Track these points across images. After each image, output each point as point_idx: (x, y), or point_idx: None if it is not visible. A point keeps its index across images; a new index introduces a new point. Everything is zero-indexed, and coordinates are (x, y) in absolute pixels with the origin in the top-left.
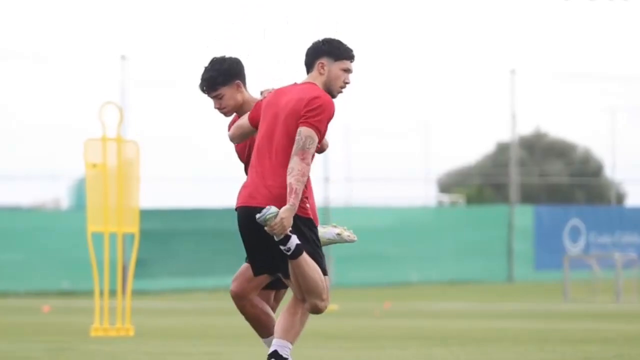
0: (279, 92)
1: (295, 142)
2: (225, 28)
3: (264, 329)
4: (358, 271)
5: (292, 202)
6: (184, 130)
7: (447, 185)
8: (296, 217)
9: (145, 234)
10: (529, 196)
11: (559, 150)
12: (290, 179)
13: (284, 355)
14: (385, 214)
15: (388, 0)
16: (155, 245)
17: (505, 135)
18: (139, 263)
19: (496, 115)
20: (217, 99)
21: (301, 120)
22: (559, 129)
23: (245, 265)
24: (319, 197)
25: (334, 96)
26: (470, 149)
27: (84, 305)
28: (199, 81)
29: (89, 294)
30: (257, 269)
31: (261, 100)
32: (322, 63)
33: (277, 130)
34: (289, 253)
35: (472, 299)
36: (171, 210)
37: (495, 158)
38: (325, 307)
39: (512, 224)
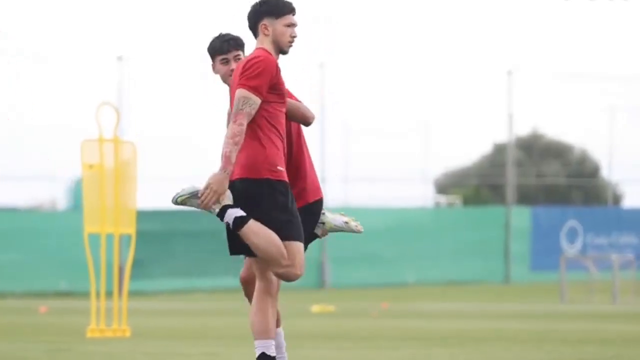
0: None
1: (233, 106)
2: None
3: None
4: (355, 272)
5: (221, 166)
6: (182, 130)
7: (444, 186)
8: (266, 181)
9: (142, 235)
10: (526, 197)
11: (556, 151)
12: (222, 145)
13: (272, 354)
14: (383, 214)
15: (387, 1)
16: (153, 246)
17: (502, 136)
18: (136, 264)
19: (493, 116)
20: (235, 60)
21: (237, 85)
22: (556, 130)
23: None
24: None
25: (285, 52)
26: (468, 150)
27: (80, 306)
28: (217, 42)
29: (85, 294)
30: (231, 249)
31: None
32: (265, 24)
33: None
34: (230, 226)
35: (469, 300)
36: (168, 211)
37: (492, 159)
38: (292, 273)
39: (509, 225)
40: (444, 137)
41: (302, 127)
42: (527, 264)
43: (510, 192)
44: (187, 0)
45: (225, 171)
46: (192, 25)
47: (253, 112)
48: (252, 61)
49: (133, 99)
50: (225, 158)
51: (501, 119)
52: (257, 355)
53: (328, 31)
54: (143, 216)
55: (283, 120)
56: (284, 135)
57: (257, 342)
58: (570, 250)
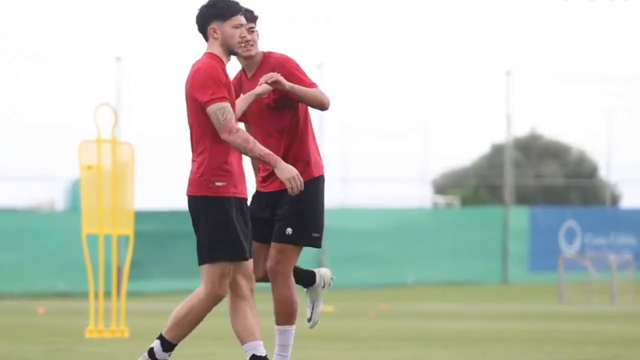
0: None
1: (214, 124)
2: None
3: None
4: (354, 272)
5: (273, 162)
6: (180, 131)
7: (442, 186)
8: (202, 198)
9: (140, 236)
10: (524, 197)
11: (554, 152)
12: (252, 154)
13: (261, 354)
14: (381, 215)
15: (387, 1)
16: (151, 247)
17: (500, 136)
18: (134, 264)
19: (491, 117)
20: (251, 31)
21: (201, 105)
22: (554, 131)
23: (255, 249)
24: None
25: (238, 54)
26: (466, 150)
27: (79, 306)
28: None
29: (84, 295)
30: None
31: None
32: (213, 28)
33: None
34: None
35: (467, 300)
36: (166, 212)
37: (490, 159)
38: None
39: (507, 226)
40: (443, 137)
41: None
42: (525, 265)
43: (509, 193)
44: (185, 1)
45: (277, 161)
46: (190, 26)
47: (233, 115)
48: (199, 76)
49: (131, 100)
50: (265, 155)
51: (499, 119)
52: (247, 358)
53: (327, 31)
54: (141, 217)
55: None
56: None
57: (245, 346)
58: (569, 250)
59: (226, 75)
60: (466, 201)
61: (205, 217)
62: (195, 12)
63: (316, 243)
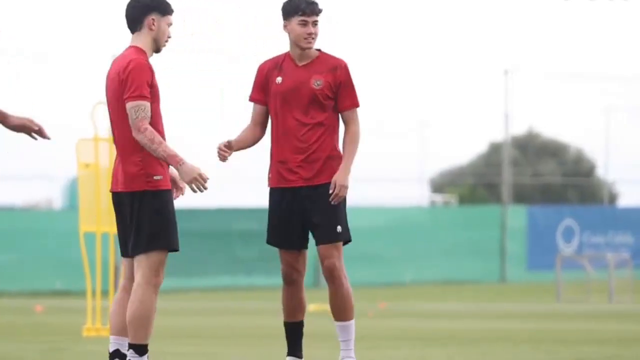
0: (113, 62)
1: (129, 120)
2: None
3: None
4: (351, 271)
5: (176, 163)
6: (177, 130)
7: (440, 185)
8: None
9: None
10: (521, 196)
11: (552, 150)
12: (155, 154)
13: (126, 352)
14: (379, 214)
15: (385, 1)
16: None
17: (498, 135)
18: None
19: (489, 115)
20: (313, 25)
21: (124, 98)
22: (552, 129)
23: (289, 257)
24: None
25: (159, 51)
26: (463, 149)
27: (76, 305)
28: (302, 2)
29: (81, 293)
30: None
31: None
32: (153, 19)
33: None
34: None
35: (465, 299)
36: None
37: (488, 158)
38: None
39: (505, 224)
40: (441, 136)
41: None
42: (523, 263)
43: (506, 191)
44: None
45: (181, 163)
46: (187, 24)
47: (148, 114)
48: (128, 70)
49: None
50: (170, 157)
51: (497, 118)
52: (112, 350)
53: (326, 31)
54: None
55: (161, 120)
56: (164, 132)
57: (118, 338)
58: (567, 249)
59: (152, 73)
60: (464, 200)
61: (149, 209)
62: (129, 2)
63: (350, 238)
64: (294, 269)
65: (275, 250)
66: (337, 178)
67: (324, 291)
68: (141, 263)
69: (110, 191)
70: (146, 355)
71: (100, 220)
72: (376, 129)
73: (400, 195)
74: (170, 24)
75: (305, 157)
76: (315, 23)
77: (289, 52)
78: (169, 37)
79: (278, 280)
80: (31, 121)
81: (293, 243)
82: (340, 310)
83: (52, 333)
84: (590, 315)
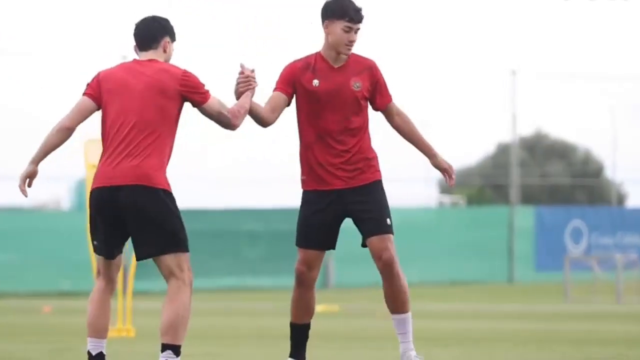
0: (119, 74)
1: (215, 115)
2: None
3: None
4: (360, 272)
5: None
6: (185, 130)
7: (448, 186)
8: (162, 191)
9: None
10: (529, 197)
11: (560, 151)
12: (239, 117)
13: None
14: None
15: (392, 1)
16: None
17: (506, 136)
18: (140, 263)
19: (497, 116)
20: (356, 32)
21: (198, 101)
22: (560, 130)
23: (312, 257)
24: None
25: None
26: (471, 150)
27: (84, 306)
28: (349, 8)
29: (89, 294)
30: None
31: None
32: (168, 41)
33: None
34: None
35: (472, 300)
36: None
37: (495, 159)
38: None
39: (513, 225)
40: (448, 136)
41: None
42: (531, 264)
43: (514, 192)
44: (189, 0)
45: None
46: (194, 24)
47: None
48: (187, 74)
49: None
50: (248, 101)
51: (505, 119)
52: (93, 352)
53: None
54: None
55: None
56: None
57: (97, 341)
58: (575, 250)
59: None
60: (472, 201)
61: (173, 209)
62: (142, 21)
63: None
64: (310, 270)
65: (281, 251)
66: (443, 162)
67: (331, 291)
68: (169, 263)
69: (104, 186)
70: (180, 357)
71: None
72: (383, 130)
73: (408, 196)
74: (173, 50)
75: (346, 159)
76: (357, 31)
77: (320, 53)
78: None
79: (284, 281)
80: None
81: (323, 243)
82: (398, 302)
83: (60, 334)
84: (598, 316)
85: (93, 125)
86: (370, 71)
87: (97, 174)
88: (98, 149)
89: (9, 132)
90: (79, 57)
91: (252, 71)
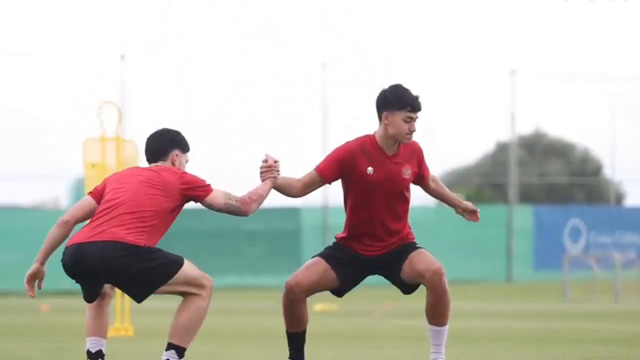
0: (129, 170)
1: (223, 205)
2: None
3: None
4: None
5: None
6: (183, 131)
7: (446, 184)
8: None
9: None
10: (528, 196)
11: (559, 150)
12: (264, 199)
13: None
14: None
15: (390, 1)
16: None
17: (504, 135)
18: None
19: (496, 115)
20: (414, 120)
21: (200, 196)
22: (559, 129)
23: (321, 267)
24: (317, 197)
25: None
26: (470, 149)
27: (83, 305)
28: (409, 97)
29: None
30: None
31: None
32: (177, 154)
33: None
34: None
35: (471, 299)
36: None
37: (494, 158)
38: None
39: (512, 224)
40: (447, 135)
41: None
42: (530, 263)
43: (513, 191)
44: (190, 0)
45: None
46: (195, 24)
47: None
48: (186, 176)
49: (135, 98)
50: (266, 192)
51: (504, 117)
52: (92, 350)
53: (330, 31)
54: None
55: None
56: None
57: (97, 340)
58: (573, 249)
59: None
60: (470, 199)
61: (150, 259)
62: (153, 135)
63: None
64: (301, 291)
65: (281, 250)
66: (469, 206)
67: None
68: (176, 289)
69: (74, 243)
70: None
71: None
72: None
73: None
74: (187, 161)
75: (386, 244)
76: (416, 119)
77: (374, 138)
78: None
79: (284, 280)
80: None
81: (345, 279)
82: (441, 315)
83: (59, 333)
84: (596, 315)
85: (92, 123)
86: (416, 155)
87: (71, 238)
88: (96, 147)
89: (7, 132)
90: (79, 57)
91: (276, 162)
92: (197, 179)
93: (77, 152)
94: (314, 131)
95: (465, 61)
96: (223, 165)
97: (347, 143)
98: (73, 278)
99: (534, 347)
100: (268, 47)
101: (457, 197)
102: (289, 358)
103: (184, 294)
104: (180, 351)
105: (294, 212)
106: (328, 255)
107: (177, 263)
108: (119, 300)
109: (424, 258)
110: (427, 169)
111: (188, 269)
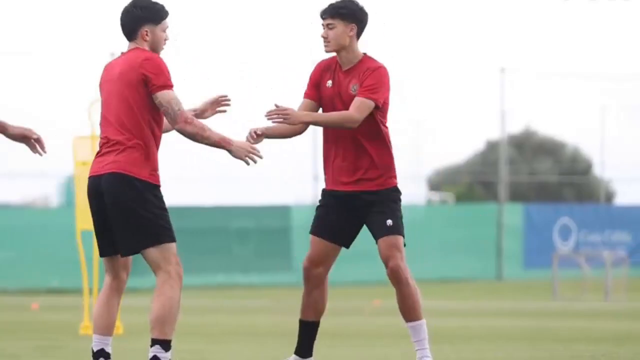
0: (109, 66)
1: (165, 113)
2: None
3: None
4: (348, 269)
5: (227, 143)
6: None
7: (437, 183)
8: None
9: None
10: (518, 194)
11: (549, 149)
12: (209, 141)
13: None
14: None
15: None
16: None
17: (494, 133)
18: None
19: (486, 114)
20: (329, 28)
21: (152, 89)
22: (549, 128)
23: (321, 247)
24: (308, 195)
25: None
26: (460, 147)
27: (73, 303)
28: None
29: (77, 291)
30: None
31: None
32: (146, 30)
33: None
34: None
35: (461, 297)
36: None
37: (484, 156)
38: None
39: (502, 222)
40: (437, 134)
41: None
42: (519, 261)
43: (503, 190)
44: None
45: (232, 143)
46: (185, 20)
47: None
48: (151, 61)
49: None
50: (222, 140)
51: (494, 116)
52: (95, 349)
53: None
54: None
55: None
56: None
57: (103, 338)
58: (563, 247)
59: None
60: (460, 198)
61: (152, 199)
62: (123, 11)
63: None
64: (315, 266)
65: (271, 248)
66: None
67: (332, 290)
68: (154, 256)
69: (91, 175)
70: (170, 352)
71: None
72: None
73: None
74: (165, 29)
75: (356, 175)
76: (329, 26)
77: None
78: (167, 40)
79: (274, 279)
80: (31, 131)
81: (336, 236)
82: (410, 310)
83: (48, 331)
84: (586, 313)
85: (82, 122)
86: (366, 72)
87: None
88: (86, 146)
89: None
90: (69, 55)
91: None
92: (162, 70)
93: (68, 151)
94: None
95: (455, 59)
96: (212, 162)
97: (319, 61)
98: (93, 217)
99: (523, 345)
100: (264, 44)
101: (308, 114)
102: (294, 353)
103: (156, 270)
104: (164, 344)
105: (285, 210)
106: (314, 227)
107: (170, 233)
108: None
109: (386, 251)
110: (365, 88)
111: (173, 249)
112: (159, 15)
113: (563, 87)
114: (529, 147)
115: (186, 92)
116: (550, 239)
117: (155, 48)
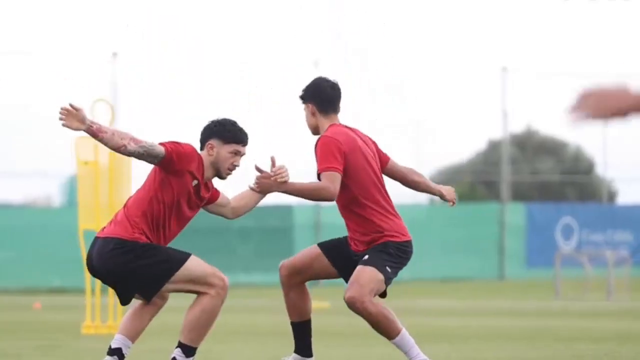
0: None
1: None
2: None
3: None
4: None
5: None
6: (176, 128)
7: (439, 182)
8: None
9: None
10: (520, 194)
11: (551, 148)
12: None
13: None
14: None
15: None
16: None
17: (496, 132)
18: None
19: (488, 113)
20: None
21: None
22: (551, 127)
23: (314, 254)
24: None
25: (222, 178)
26: (462, 147)
27: (75, 302)
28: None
29: (80, 291)
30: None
31: None
32: (211, 145)
33: None
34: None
35: (463, 297)
36: None
37: (486, 156)
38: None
39: (504, 222)
40: (438, 133)
41: None
42: (522, 261)
43: (505, 189)
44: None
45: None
46: (187, 22)
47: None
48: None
49: (128, 96)
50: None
51: (496, 115)
52: (113, 348)
53: (323, 29)
54: None
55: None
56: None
57: (128, 341)
58: (566, 247)
59: (197, 165)
60: (462, 197)
61: (130, 257)
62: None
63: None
64: (297, 273)
65: (273, 248)
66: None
67: (322, 289)
68: (180, 288)
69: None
70: (191, 359)
71: (99, 218)
72: (373, 127)
73: (399, 193)
74: (235, 153)
75: (356, 239)
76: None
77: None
78: (236, 166)
79: (276, 278)
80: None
81: (339, 263)
82: (385, 333)
83: (50, 330)
84: (588, 313)
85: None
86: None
87: None
88: (88, 145)
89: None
90: (71, 54)
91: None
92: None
93: (69, 150)
94: (304, 129)
95: (456, 59)
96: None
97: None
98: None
99: (525, 344)
100: (260, 44)
101: (294, 184)
102: (294, 352)
103: (193, 293)
104: (187, 349)
105: (286, 209)
106: (325, 242)
107: (179, 261)
108: (111, 298)
109: (351, 281)
110: (318, 164)
111: (194, 267)
112: (228, 135)
113: (565, 86)
114: (531, 146)
115: (186, 92)
116: (552, 238)
117: (217, 168)
